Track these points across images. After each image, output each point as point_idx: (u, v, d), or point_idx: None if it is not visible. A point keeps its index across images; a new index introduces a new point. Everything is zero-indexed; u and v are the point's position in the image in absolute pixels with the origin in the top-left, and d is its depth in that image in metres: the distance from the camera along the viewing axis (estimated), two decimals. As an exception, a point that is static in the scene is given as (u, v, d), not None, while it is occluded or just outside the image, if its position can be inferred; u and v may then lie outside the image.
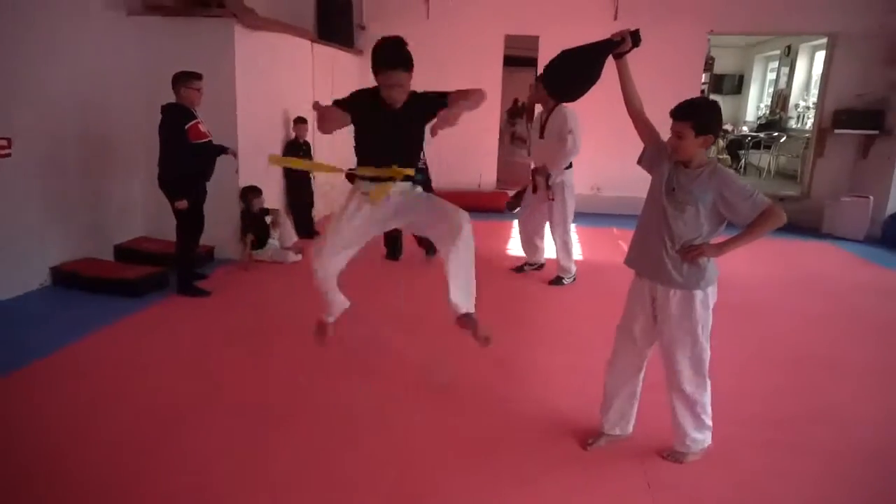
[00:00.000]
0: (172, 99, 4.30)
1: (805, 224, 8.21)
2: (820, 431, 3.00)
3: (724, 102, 14.91)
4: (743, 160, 11.60)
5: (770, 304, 4.97)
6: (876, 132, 7.77)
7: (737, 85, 14.33)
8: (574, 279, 5.16)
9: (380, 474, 2.54)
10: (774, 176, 11.03)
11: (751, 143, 11.46)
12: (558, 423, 2.97)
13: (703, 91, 8.88)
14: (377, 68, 2.55)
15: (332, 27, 7.72)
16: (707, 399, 2.62)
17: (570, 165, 4.92)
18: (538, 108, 5.34)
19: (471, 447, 2.76)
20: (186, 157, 4.30)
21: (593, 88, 2.75)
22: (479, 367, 3.50)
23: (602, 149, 8.35)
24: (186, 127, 4.25)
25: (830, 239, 7.61)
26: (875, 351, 4.07)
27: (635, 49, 2.62)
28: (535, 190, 5.06)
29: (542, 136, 4.92)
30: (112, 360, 3.47)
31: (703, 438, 2.67)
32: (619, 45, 2.60)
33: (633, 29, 2.60)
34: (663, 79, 8.05)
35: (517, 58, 9.06)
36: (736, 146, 11.79)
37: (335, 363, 3.49)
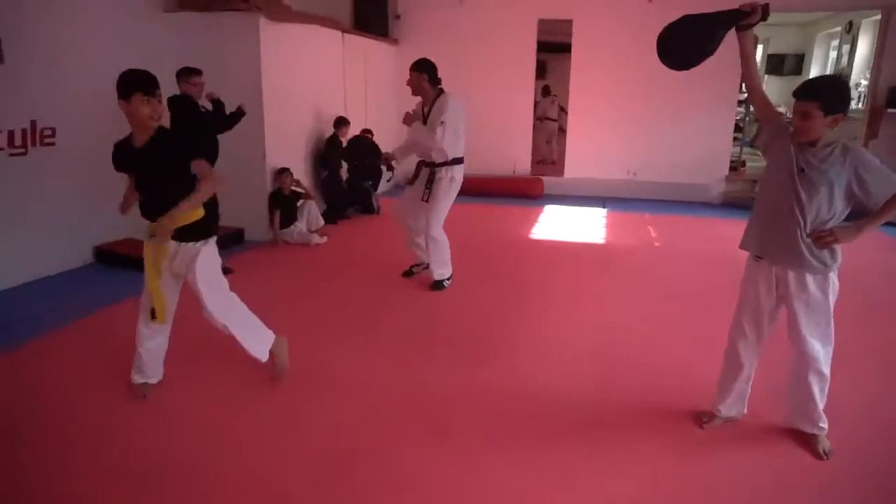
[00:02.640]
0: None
1: (854, 206, 7.87)
2: None
3: (780, 84, 14.41)
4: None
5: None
6: (933, 110, 7.33)
7: (797, 65, 13.68)
8: (450, 278, 4.64)
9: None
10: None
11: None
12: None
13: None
14: None
15: (367, 17, 7.93)
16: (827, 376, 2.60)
17: (461, 160, 4.47)
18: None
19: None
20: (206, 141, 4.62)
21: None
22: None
23: (638, 133, 8.25)
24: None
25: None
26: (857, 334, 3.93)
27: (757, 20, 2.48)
28: (411, 180, 4.61)
29: (425, 124, 4.40)
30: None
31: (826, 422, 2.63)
32: (747, 16, 2.52)
33: (763, 1, 2.51)
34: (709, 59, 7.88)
35: (552, 43, 8.99)
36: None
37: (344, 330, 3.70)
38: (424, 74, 4.28)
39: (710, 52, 2.57)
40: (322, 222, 5.97)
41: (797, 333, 2.53)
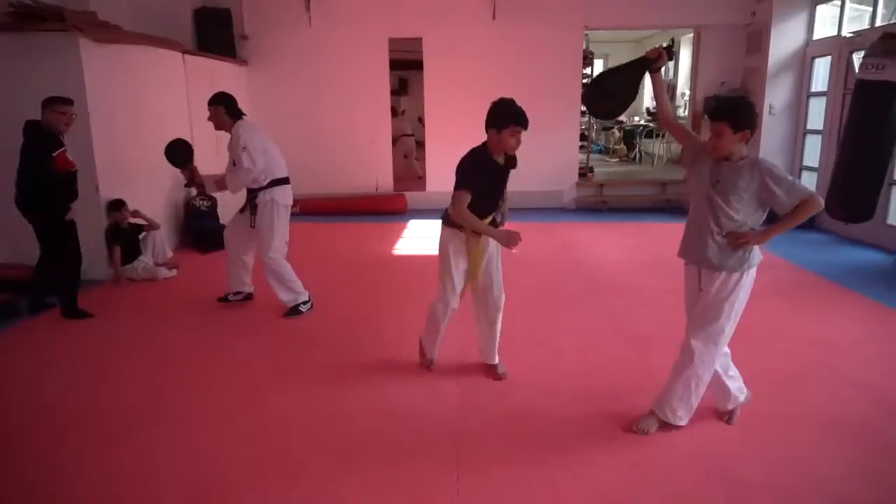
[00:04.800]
0: (19, 120, 4.17)
1: (688, 205, 8.69)
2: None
3: (621, 95, 15.55)
4: (637, 148, 12.10)
5: (627, 283, 5.21)
6: (742, 116, 8.27)
7: (634, 77, 14.91)
8: (310, 305, 4.49)
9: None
10: (667, 163, 11.55)
11: (644, 133, 11.97)
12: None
13: (585, 84, 9.18)
14: None
15: (211, 38, 7.63)
16: (704, 378, 2.78)
17: (284, 181, 4.32)
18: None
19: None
20: (51, 186, 4.17)
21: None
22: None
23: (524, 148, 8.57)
24: (54, 155, 4.13)
25: (709, 218, 8.06)
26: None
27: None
28: (242, 209, 4.42)
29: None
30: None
31: (682, 416, 2.84)
32: (656, 61, 2.80)
33: (665, 44, 2.79)
34: (545, 75, 8.38)
35: (412, 61, 9.14)
36: (630, 136, 12.30)
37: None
38: (221, 107, 4.18)
39: (634, 96, 2.95)
40: (170, 253, 5.64)
41: (688, 323, 2.80)
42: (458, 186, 3.05)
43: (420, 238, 7.11)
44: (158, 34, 6.15)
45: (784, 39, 7.65)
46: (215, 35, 7.72)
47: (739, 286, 2.67)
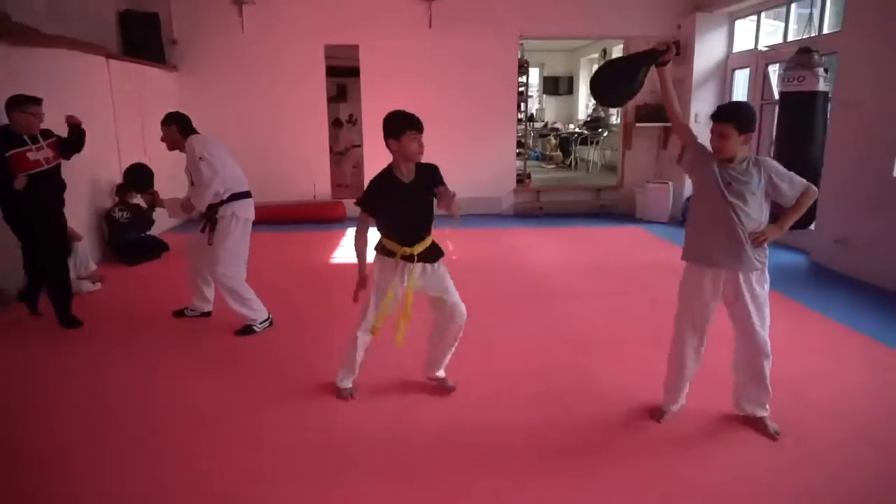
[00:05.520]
0: None
1: (621, 211, 8.98)
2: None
3: (557, 103, 15.98)
4: (573, 155, 12.40)
5: (563, 288, 5.33)
6: (669, 124, 8.60)
7: (569, 86, 15.33)
8: (270, 322, 4.30)
9: None
10: (601, 169, 11.89)
11: (578, 140, 12.29)
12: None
13: (521, 93, 9.36)
14: None
15: (137, 42, 7.36)
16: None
17: (245, 195, 4.17)
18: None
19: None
20: (8, 188, 3.95)
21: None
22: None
23: (435, 152, 8.59)
24: (7, 155, 3.92)
25: (641, 223, 8.35)
26: (636, 327, 4.50)
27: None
28: (202, 228, 4.21)
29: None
30: None
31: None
32: (664, 53, 2.79)
33: (675, 39, 2.71)
34: (482, 83, 8.49)
35: (351, 68, 9.07)
36: (566, 143, 12.61)
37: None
38: (174, 126, 4.05)
39: (637, 89, 2.92)
40: (94, 266, 5.37)
41: (750, 326, 2.80)
42: (358, 202, 3.00)
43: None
44: (80, 37, 5.89)
45: (707, 52, 8.02)
46: (143, 39, 7.45)
47: (767, 279, 2.81)
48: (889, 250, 5.08)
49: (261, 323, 4.23)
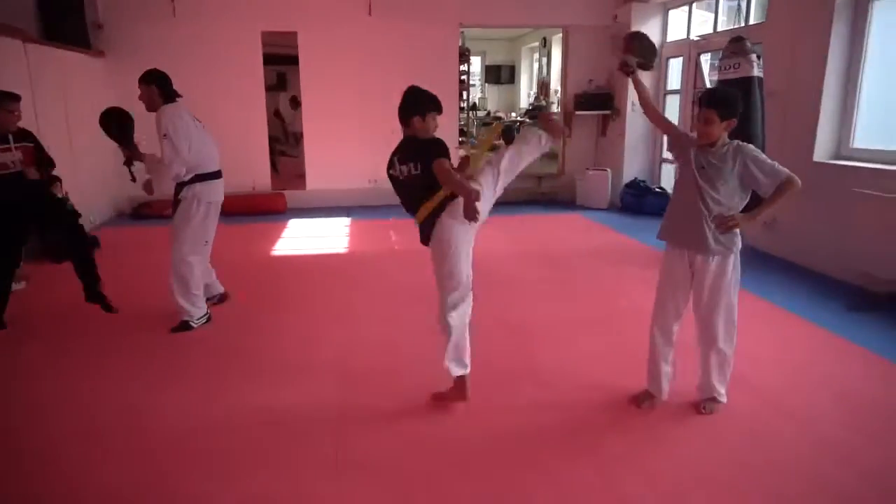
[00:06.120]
0: None
1: (562, 198, 9.13)
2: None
3: (499, 92, 16.08)
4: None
5: (506, 275, 5.38)
6: (608, 112, 8.82)
7: (510, 75, 15.44)
8: (208, 318, 4.14)
9: None
10: (542, 157, 12.02)
11: (520, 128, 12.38)
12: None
13: (462, 81, 9.37)
14: None
15: (58, 26, 6.96)
16: (732, 357, 2.94)
17: (215, 175, 4.00)
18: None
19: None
20: None
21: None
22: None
23: (376, 141, 8.51)
24: None
25: (581, 210, 8.52)
26: (577, 311, 4.60)
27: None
28: (173, 211, 4.04)
29: None
30: None
31: (725, 392, 2.99)
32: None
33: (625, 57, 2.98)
34: (423, 71, 8.37)
35: (292, 56, 8.85)
36: (509, 130, 12.67)
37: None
38: (154, 87, 3.84)
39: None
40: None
41: (700, 312, 2.90)
42: (437, 156, 2.75)
43: (301, 238, 6.93)
44: (-6, 20, 5.53)
45: (642, 41, 8.20)
46: (65, 23, 7.05)
47: (734, 267, 2.83)
48: (814, 232, 5.35)
49: (198, 319, 4.09)
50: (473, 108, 13.69)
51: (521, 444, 2.77)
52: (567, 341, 3.92)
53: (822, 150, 5.36)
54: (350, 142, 8.42)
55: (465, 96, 10.12)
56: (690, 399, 3.07)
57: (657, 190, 8.14)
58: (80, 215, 4.49)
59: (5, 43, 5.69)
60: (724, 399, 3.01)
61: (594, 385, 3.25)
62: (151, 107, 3.87)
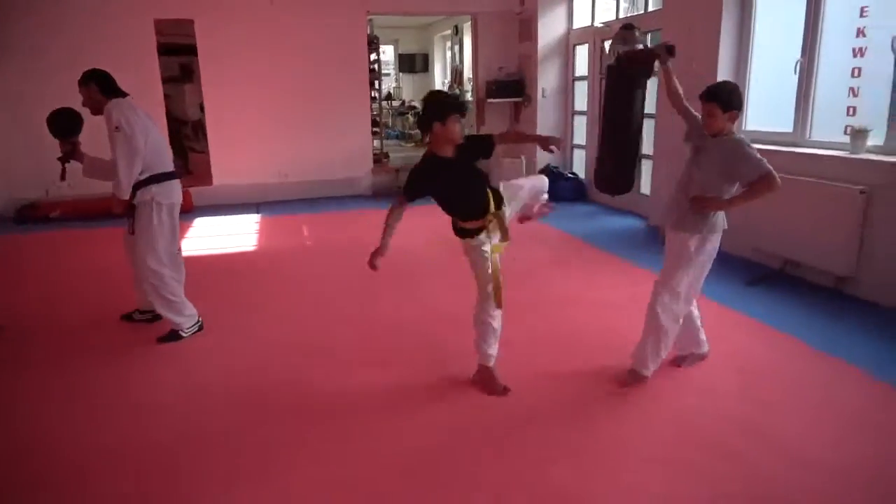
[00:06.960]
0: None
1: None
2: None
3: (413, 81, 15.95)
4: (431, 133, 12.46)
5: (429, 265, 5.33)
6: (520, 99, 8.89)
7: (424, 63, 15.34)
8: (200, 326, 3.90)
9: None
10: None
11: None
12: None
13: (373, 70, 9.20)
14: None
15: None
16: (670, 330, 3.02)
17: (168, 176, 3.71)
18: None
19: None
20: None
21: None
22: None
23: (285, 134, 8.23)
24: None
25: (498, 197, 8.56)
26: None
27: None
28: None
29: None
30: None
31: (651, 367, 3.08)
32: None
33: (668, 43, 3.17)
34: (331, 61, 8.23)
35: (186, 46, 8.38)
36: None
37: None
38: (92, 85, 3.55)
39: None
40: None
41: (657, 279, 3.05)
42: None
43: (208, 237, 6.60)
44: None
45: (550, 28, 8.31)
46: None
47: (700, 249, 2.90)
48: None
49: (188, 328, 3.81)
50: (388, 97, 13.52)
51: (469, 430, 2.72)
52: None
53: (717, 132, 5.58)
54: (257, 135, 8.10)
55: (377, 85, 9.93)
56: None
57: (569, 175, 8.30)
58: None
59: None
60: (647, 374, 3.09)
61: (526, 367, 3.24)
62: (96, 108, 3.60)
